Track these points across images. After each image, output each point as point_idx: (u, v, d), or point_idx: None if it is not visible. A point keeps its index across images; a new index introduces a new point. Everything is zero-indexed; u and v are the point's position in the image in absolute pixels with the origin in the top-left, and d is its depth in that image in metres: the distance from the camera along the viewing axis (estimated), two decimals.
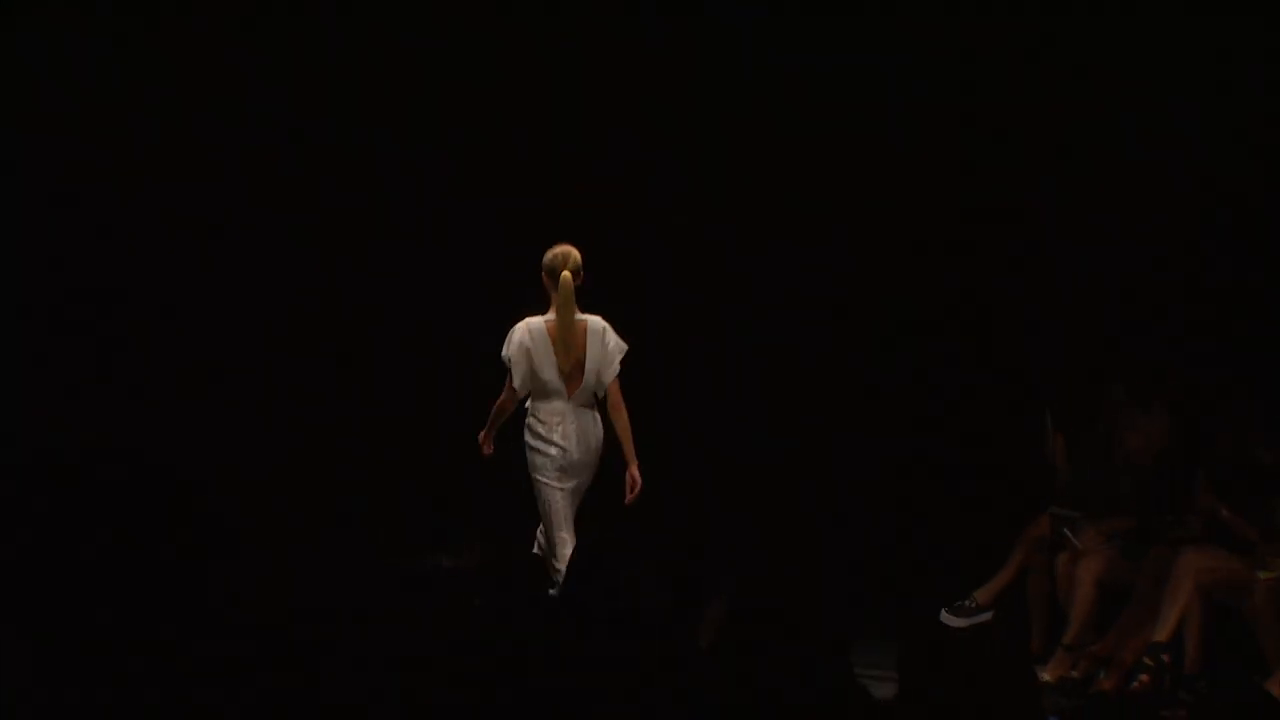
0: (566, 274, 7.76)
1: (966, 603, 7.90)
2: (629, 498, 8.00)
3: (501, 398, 8.09)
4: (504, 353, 7.97)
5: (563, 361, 7.78)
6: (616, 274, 9.99)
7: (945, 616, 7.84)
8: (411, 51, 10.27)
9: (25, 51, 10.20)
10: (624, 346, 7.90)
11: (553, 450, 7.86)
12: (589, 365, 7.77)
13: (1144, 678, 7.05)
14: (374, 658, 4.86)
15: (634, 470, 7.95)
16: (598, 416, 7.99)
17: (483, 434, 8.20)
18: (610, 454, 8.18)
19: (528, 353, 7.86)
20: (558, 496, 7.88)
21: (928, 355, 9.90)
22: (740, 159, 10.11)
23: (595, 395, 7.95)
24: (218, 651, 4.80)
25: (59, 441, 9.74)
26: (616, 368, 7.80)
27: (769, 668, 4.57)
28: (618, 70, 10.10)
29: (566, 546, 7.67)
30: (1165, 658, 7.06)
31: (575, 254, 7.91)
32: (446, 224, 10.39)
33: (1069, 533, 7.71)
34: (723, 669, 4.68)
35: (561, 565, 7.45)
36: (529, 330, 7.89)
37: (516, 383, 7.87)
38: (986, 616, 7.74)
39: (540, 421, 7.94)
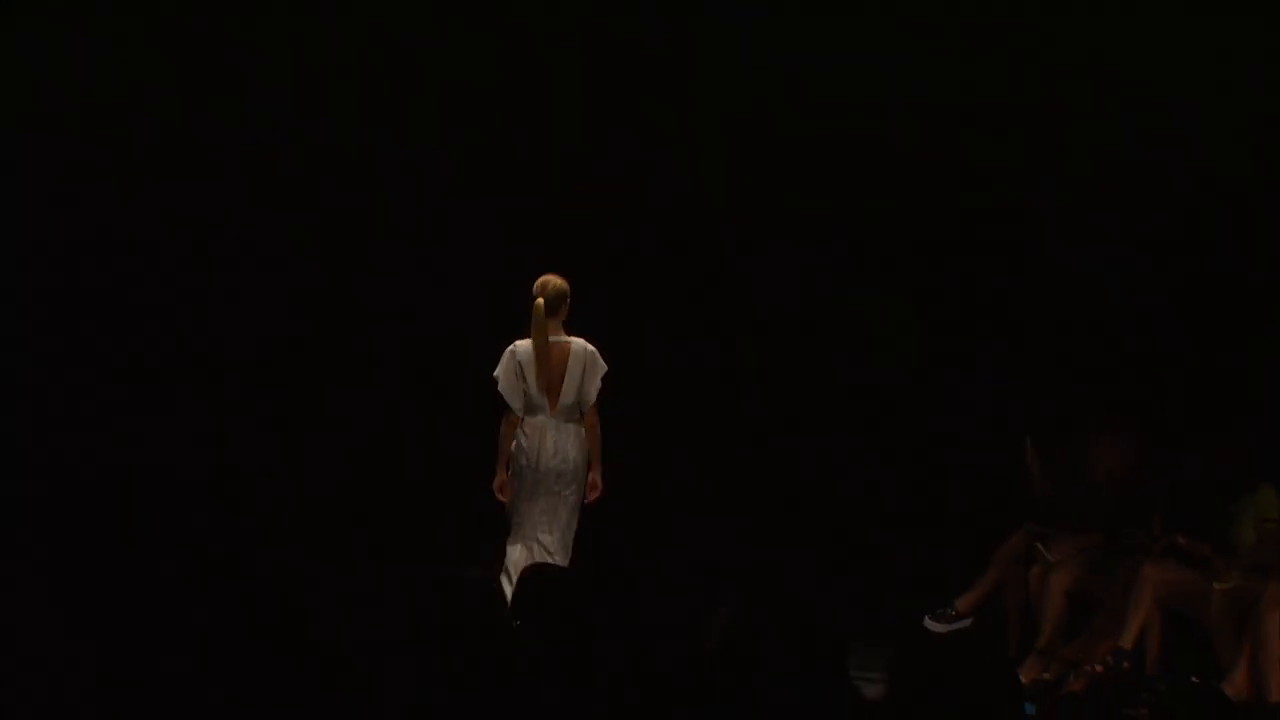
0: (539, 301, 8.17)
1: (948, 610, 8.30)
2: (589, 498, 8.37)
3: (502, 429, 8.40)
4: (496, 372, 8.36)
5: (541, 380, 8.19)
6: (616, 274, 10.01)
7: (928, 623, 8.26)
8: (411, 51, 10.27)
9: (25, 51, 10.20)
10: (604, 368, 8.27)
11: (525, 461, 8.25)
12: (567, 383, 8.20)
13: (1098, 667, 7.58)
14: (400, 665, 4.89)
15: (595, 475, 8.34)
16: (581, 431, 8.32)
17: (497, 481, 8.41)
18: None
19: (516, 373, 8.26)
20: (521, 507, 8.26)
21: (921, 370, 9.92)
22: (740, 159, 10.11)
23: (580, 411, 8.31)
24: (243, 656, 4.82)
25: (57, 441, 9.76)
26: (596, 389, 8.23)
27: (769, 671, 4.64)
28: (618, 70, 10.10)
29: (513, 555, 8.17)
30: (1126, 664, 7.56)
31: (553, 282, 8.24)
32: (446, 224, 10.39)
33: (1042, 547, 8.18)
34: (726, 672, 4.75)
35: (512, 570, 8.01)
36: (517, 351, 8.31)
37: (514, 405, 8.30)
38: (966, 623, 8.19)
39: (524, 435, 8.31)
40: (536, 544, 8.19)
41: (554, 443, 8.20)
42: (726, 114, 10.08)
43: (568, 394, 8.20)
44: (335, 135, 10.31)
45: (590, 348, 8.28)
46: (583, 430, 8.29)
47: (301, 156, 10.29)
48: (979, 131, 9.78)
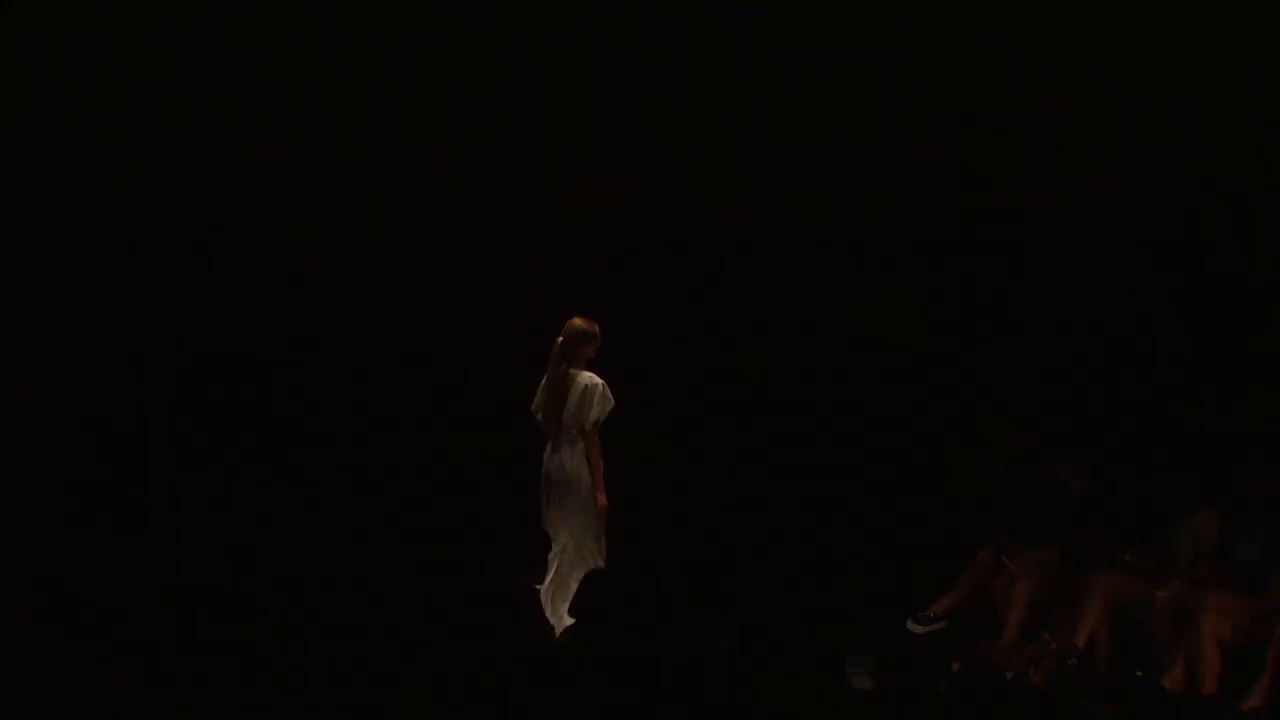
0: (559, 338, 8.63)
1: (927, 614, 8.93)
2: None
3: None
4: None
5: (546, 403, 8.70)
6: (616, 274, 10.01)
7: (910, 625, 8.93)
8: (411, 51, 10.27)
9: (25, 51, 10.20)
10: (607, 401, 8.61)
11: (542, 473, 8.69)
12: (566, 409, 8.66)
13: (1053, 646, 8.43)
14: (449, 666, 4.93)
15: (598, 493, 8.70)
16: (582, 448, 8.67)
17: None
18: (613, 488, 8.61)
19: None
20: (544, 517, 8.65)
21: (920, 370, 9.95)
22: (740, 159, 10.11)
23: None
24: (301, 660, 4.84)
25: (55, 441, 9.76)
26: (590, 418, 8.61)
27: (774, 667, 4.74)
28: (618, 70, 10.10)
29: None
30: (1073, 660, 8.38)
31: (573, 326, 8.65)
32: (446, 224, 10.39)
33: (1008, 559, 8.89)
34: (737, 669, 4.86)
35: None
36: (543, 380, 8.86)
37: (542, 424, 8.79)
38: (941, 625, 8.90)
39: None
40: (560, 551, 8.53)
41: (554, 455, 8.65)
42: (726, 114, 10.08)
43: (565, 417, 8.64)
44: (335, 135, 10.31)
45: (595, 382, 8.62)
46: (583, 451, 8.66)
47: (301, 156, 10.29)
48: (979, 131, 9.79)
